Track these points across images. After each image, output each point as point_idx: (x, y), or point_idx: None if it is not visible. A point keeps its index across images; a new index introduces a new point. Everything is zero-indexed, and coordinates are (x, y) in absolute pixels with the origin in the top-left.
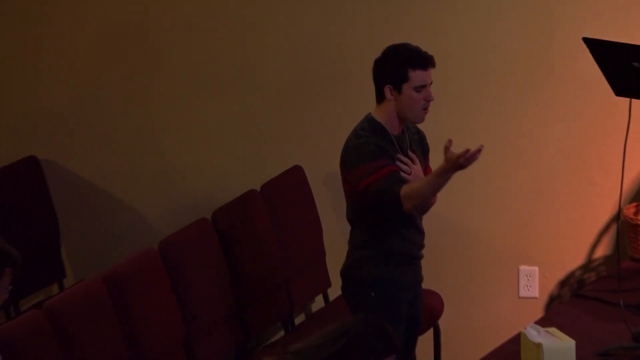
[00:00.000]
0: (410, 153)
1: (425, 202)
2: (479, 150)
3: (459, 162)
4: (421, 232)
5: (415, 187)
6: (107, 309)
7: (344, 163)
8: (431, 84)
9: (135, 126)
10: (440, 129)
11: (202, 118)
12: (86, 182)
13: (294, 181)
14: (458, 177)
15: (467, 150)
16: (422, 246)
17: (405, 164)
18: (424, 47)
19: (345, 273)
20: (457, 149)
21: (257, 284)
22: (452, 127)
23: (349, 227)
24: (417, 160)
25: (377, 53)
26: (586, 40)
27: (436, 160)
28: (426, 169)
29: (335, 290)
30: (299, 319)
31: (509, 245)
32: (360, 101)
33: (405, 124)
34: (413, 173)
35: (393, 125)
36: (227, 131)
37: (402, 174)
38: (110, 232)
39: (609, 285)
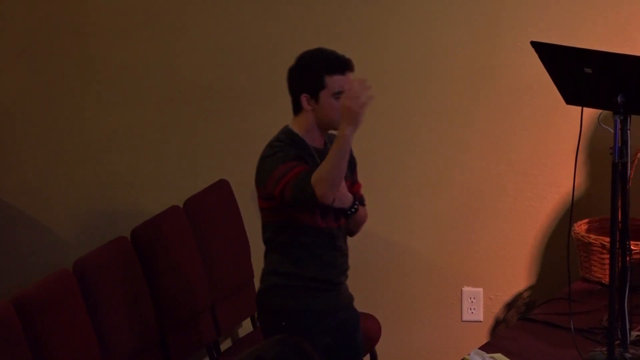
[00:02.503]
0: None
1: (336, 180)
2: (359, 82)
3: (344, 103)
4: (344, 254)
5: (321, 167)
6: (16, 336)
7: (258, 177)
8: None
9: (47, 135)
10: (374, 140)
11: (119, 128)
12: None
13: (219, 196)
14: (397, 191)
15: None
16: (344, 270)
17: None
18: (362, 52)
19: (257, 300)
20: (396, 163)
21: (180, 308)
22: (388, 138)
23: None
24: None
25: None
26: (534, 45)
27: (365, 176)
28: (354, 184)
29: None
30: (225, 345)
31: (451, 265)
32: (291, 110)
33: (327, 137)
34: None
35: (313, 137)
36: (148, 142)
37: None
38: (20, 251)
39: (559, 308)
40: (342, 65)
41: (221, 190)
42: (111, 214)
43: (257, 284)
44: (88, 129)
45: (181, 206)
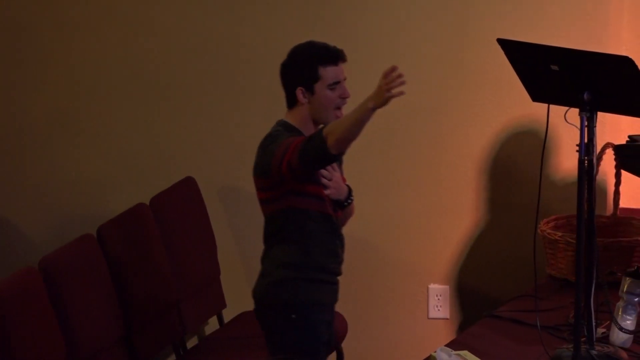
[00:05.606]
0: None
1: (348, 138)
2: (392, 69)
3: (379, 86)
4: (343, 245)
5: (338, 121)
6: None
7: (258, 167)
8: (345, 79)
9: (11, 130)
10: None
11: (85, 124)
12: None
13: (186, 194)
14: (363, 189)
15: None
16: (342, 261)
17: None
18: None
19: (261, 296)
20: (362, 160)
21: (146, 305)
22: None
23: (245, 243)
24: (336, 167)
25: (280, 56)
26: (500, 42)
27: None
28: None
29: (230, 312)
30: (191, 343)
31: (417, 262)
32: (258, 107)
33: None
34: (334, 179)
35: (308, 130)
36: (113, 139)
37: (323, 179)
38: None
39: (525, 305)
40: (335, 55)
41: (187, 188)
42: (77, 212)
43: (224, 282)
44: (53, 127)
45: (147, 204)
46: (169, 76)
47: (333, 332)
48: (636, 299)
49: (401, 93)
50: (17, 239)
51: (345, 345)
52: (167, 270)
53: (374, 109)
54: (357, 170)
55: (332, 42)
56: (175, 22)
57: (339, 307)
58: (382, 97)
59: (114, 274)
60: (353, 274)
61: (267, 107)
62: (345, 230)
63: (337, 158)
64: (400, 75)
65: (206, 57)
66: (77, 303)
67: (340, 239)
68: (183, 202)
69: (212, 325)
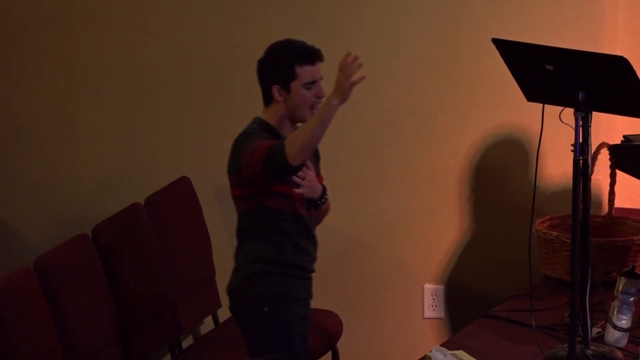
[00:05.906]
0: None
1: (309, 145)
2: (347, 56)
3: (338, 79)
4: (315, 244)
5: (298, 129)
6: None
7: (231, 164)
8: (321, 79)
9: (7, 129)
10: (334, 136)
11: (80, 124)
12: None
13: (181, 194)
14: (357, 188)
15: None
16: (315, 258)
17: None
18: (326, 49)
19: (234, 291)
20: (357, 159)
21: (141, 305)
22: (349, 134)
23: None
24: (311, 166)
25: None
26: (495, 42)
27: (326, 172)
28: (317, 177)
29: (225, 312)
30: (186, 342)
31: (412, 262)
32: (253, 107)
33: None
34: (307, 178)
35: (285, 128)
36: (108, 139)
37: (296, 178)
38: None
39: (520, 304)
40: (312, 55)
41: (182, 188)
42: (72, 212)
43: (220, 282)
44: (48, 127)
45: (142, 204)
46: (165, 76)
47: (307, 328)
48: (631, 299)
49: (362, 78)
50: (13, 238)
51: (340, 345)
52: (162, 269)
53: (338, 105)
54: (352, 170)
55: (327, 43)
56: (171, 22)
57: (334, 307)
58: (344, 88)
59: (109, 273)
60: (348, 274)
61: (262, 108)
62: (340, 230)
63: (298, 169)
64: (356, 59)
65: (201, 57)
66: (73, 303)
67: (311, 238)
68: (178, 202)
69: (208, 325)
